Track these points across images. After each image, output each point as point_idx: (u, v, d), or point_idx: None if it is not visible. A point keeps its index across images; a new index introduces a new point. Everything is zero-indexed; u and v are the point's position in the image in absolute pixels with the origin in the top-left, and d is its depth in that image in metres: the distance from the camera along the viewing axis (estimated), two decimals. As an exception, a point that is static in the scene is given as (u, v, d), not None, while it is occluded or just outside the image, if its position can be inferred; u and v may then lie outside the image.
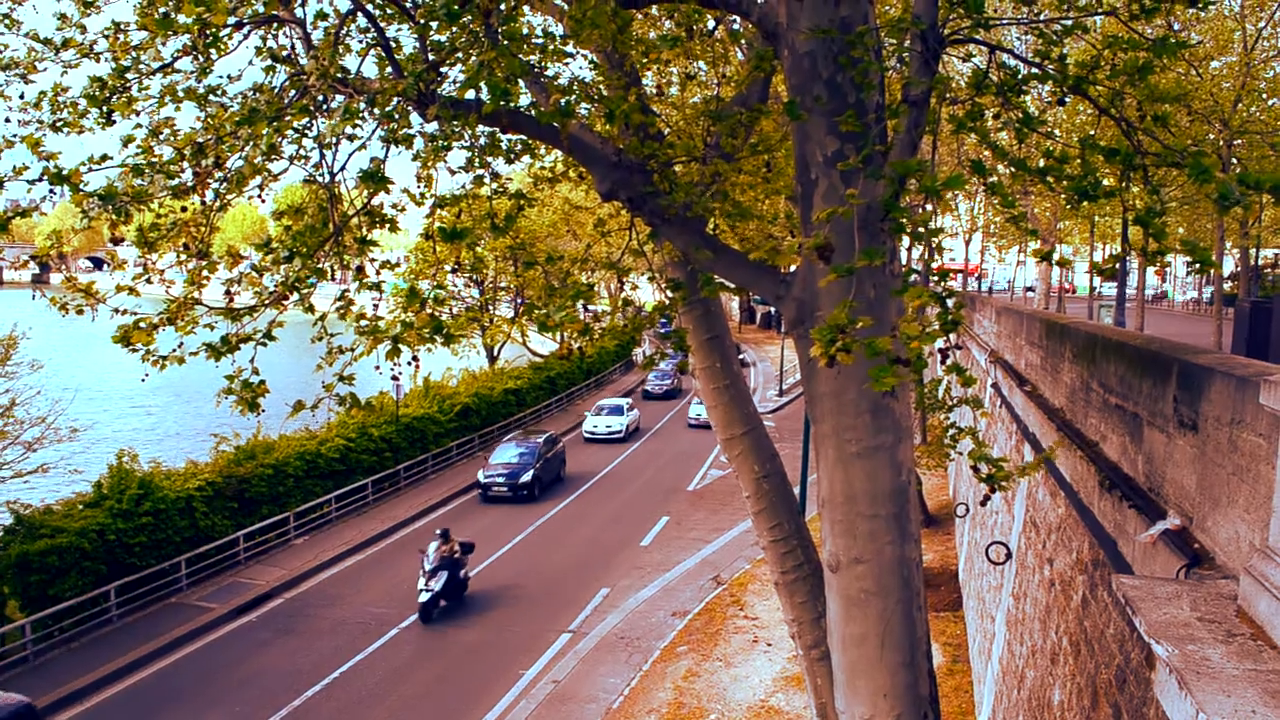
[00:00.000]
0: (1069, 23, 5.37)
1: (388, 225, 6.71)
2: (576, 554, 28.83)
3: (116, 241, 7.37)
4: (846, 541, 5.64)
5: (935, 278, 5.06)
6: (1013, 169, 5.16)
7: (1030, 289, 62.21)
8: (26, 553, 21.34)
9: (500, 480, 34.62)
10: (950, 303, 4.77)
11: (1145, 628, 4.11)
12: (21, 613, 21.29)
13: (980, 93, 5.45)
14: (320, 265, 6.51)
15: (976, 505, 18.61)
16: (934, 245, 4.81)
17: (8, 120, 6.78)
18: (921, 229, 4.66)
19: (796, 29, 5.19)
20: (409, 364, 6.64)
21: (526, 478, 34.64)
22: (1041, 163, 5.04)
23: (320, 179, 6.62)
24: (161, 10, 6.15)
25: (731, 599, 24.69)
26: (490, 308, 51.89)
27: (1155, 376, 6.81)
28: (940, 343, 5.40)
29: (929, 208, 4.98)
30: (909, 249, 17.83)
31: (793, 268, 5.87)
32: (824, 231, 4.76)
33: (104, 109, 6.52)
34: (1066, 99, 5.26)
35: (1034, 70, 5.43)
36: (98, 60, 6.91)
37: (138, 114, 6.54)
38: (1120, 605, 5.87)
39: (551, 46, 7.05)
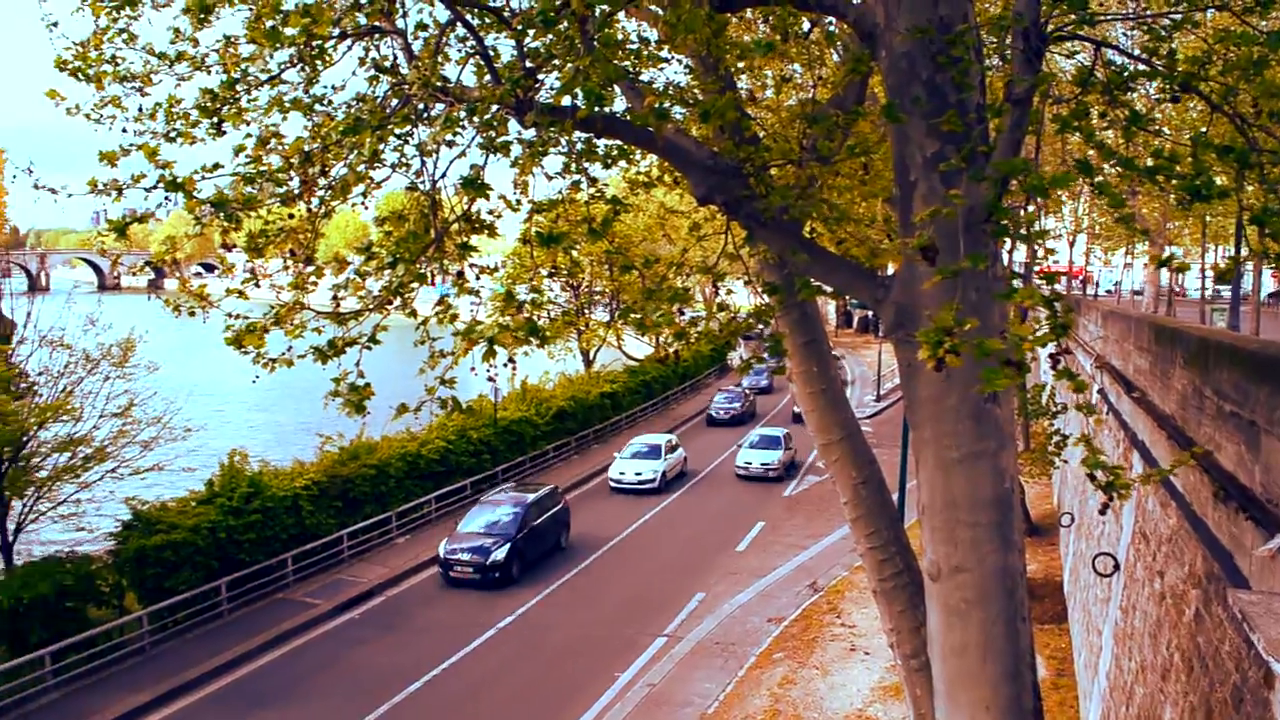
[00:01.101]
0: (1178, 17, 5.20)
1: (487, 230, 6.81)
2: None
3: (228, 248, 7.63)
4: (947, 550, 5.54)
5: (1041, 280, 4.97)
6: (1120, 169, 5.02)
7: (1138, 292, 60.17)
8: (144, 547, 22.23)
9: (465, 558, 25.87)
10: (1058, 306, 4.66)
11: (1264, 645, 3.95)
12: (139, 604, 22.23)
13: (1085, 91, 5.31)
14: (422, 270, 6.64)
15: (1082, 515, 18.08)
16: (1039, 247, 4.70)
17: (125, 130, 7.06)
18: (1026, 230, 4.56)
19: (894, 29, 5.12)
20: (505, 365, 6.73)
21: (500, 555, 25.82)
22: (1150, 162, 4.88)
23: (421, 186, 6.75)
24: (269, 24, 6.36)
25: (828, 606, 24.41)
26: (586, 311, 52.06)
27: (1273, 383, 6.53)
28: (1051, 347, 5.27)
29: (1032, 209, 4.87)
30: (1009, 252, 17.42)
31: (890, 270, 5.79)
32: (928, 232, 4.68)
33: (215, 120, 6.74)
34: (1177, 96, 5.09)
35: (1141, 67, 5.27)
36: (209, 72, 7.15)
37: (247, 124, 6.76)
38: (1236, 621, 5.64)
39: (646, 52, 7.09)
